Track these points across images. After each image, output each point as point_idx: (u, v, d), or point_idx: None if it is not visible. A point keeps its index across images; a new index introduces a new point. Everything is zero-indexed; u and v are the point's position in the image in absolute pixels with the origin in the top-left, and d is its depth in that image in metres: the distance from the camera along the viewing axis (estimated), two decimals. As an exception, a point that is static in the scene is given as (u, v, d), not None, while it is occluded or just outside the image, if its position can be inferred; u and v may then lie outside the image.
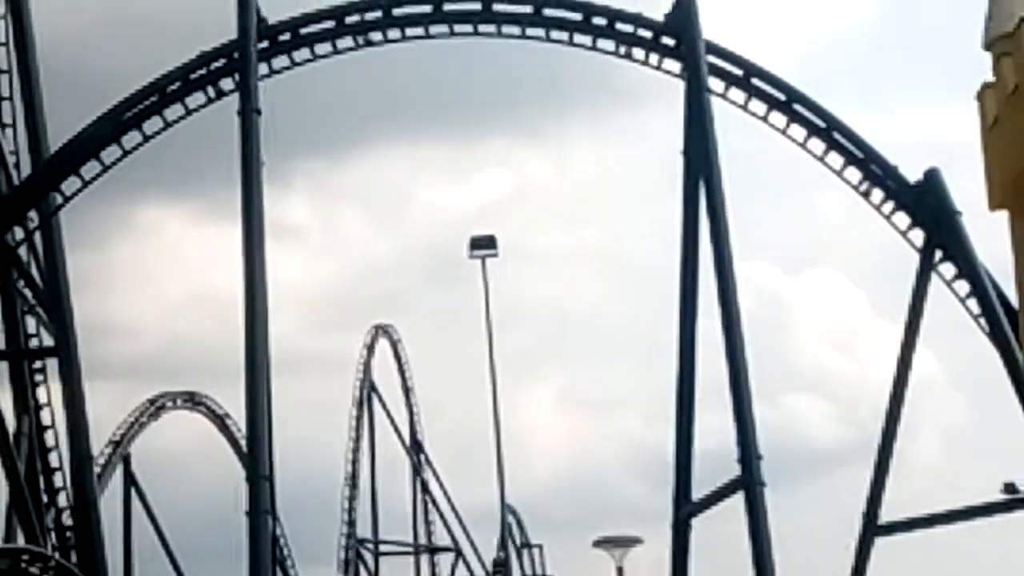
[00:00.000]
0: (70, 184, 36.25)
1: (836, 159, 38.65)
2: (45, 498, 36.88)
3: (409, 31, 38.67)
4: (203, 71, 37.07)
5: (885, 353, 43.24)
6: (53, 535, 36.57)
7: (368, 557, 67.10)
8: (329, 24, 38.05)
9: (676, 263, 38.80)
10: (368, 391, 67.85)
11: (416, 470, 71.56)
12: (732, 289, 36.57)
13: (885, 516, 38.26)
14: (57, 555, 34.95)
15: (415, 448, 71.61)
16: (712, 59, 38.43)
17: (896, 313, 39.44)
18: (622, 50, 38.74)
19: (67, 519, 37.12)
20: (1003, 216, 17.55)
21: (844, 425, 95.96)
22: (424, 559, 72.46)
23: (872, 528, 38.05)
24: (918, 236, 38.59)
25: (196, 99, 36.88)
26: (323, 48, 38.02)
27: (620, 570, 33.11)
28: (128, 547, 53.72)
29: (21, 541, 34.75)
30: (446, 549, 72.28)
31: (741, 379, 35.86)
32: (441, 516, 71.58)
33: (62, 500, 37.30)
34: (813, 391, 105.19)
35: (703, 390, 38.46)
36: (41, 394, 37.63)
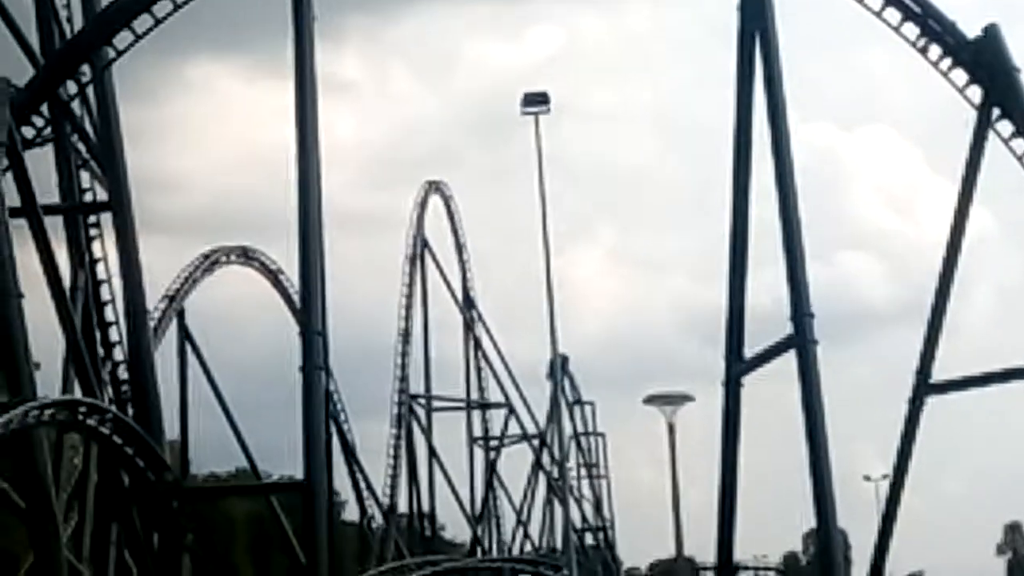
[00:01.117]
0: (122, 38, 36.00)
1: (893, 15, 38.06)
2: (101, 351, 37.13)
3: None
4: (254, -76, 36.73)
5: (940, 211, 43.00)
6: (109, 388, 36.90)
7: (420, 412, 67.69)
8: None
9: (729, 121, 38.52)
10: (421, 247, 68.05)
11: (468, 326, 71.97)
12: (786, 143, 36.34)
13: (937, 375, 38.21)
14: (114, 407, 35.27)
15: (467, 304, 71.98)
16: (769, -88, 37.86)
17: (953, 171, 39.11)
18: (678, -97, 38.28)
19: (123, 372, 37.42)
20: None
21: (897, 283, 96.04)
22: (476, 415, 73.13)
23: (924, 386, 38.00)
24: (975, 93, 38.10)
25: (248, -47, 36.58)
26: (375, -99, 37.57)
27: (671, 427, 33.27)
28: (184, 400, 54.37)
29: (78, 393, 35.09)
30: (498, 405, 72.88)
31: (794, 235, 35.71)
32: (493, 372, 72.13)
33: (118, 354, 37.56)
34: (867, 249, 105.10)
35: (755, 248, 38.36)
36: (96, 248, 37.75)
